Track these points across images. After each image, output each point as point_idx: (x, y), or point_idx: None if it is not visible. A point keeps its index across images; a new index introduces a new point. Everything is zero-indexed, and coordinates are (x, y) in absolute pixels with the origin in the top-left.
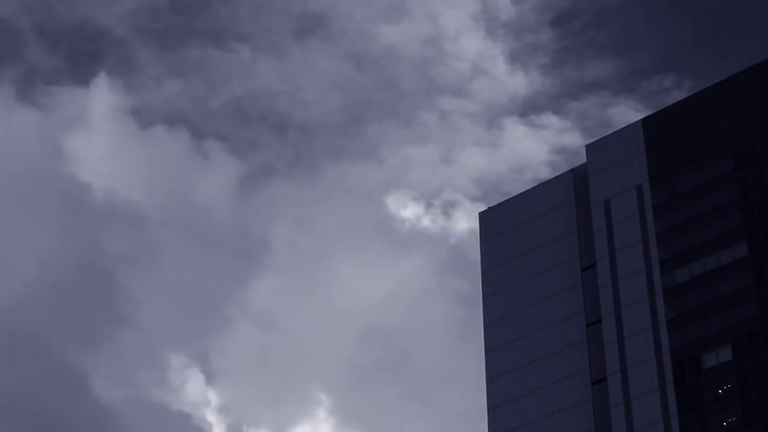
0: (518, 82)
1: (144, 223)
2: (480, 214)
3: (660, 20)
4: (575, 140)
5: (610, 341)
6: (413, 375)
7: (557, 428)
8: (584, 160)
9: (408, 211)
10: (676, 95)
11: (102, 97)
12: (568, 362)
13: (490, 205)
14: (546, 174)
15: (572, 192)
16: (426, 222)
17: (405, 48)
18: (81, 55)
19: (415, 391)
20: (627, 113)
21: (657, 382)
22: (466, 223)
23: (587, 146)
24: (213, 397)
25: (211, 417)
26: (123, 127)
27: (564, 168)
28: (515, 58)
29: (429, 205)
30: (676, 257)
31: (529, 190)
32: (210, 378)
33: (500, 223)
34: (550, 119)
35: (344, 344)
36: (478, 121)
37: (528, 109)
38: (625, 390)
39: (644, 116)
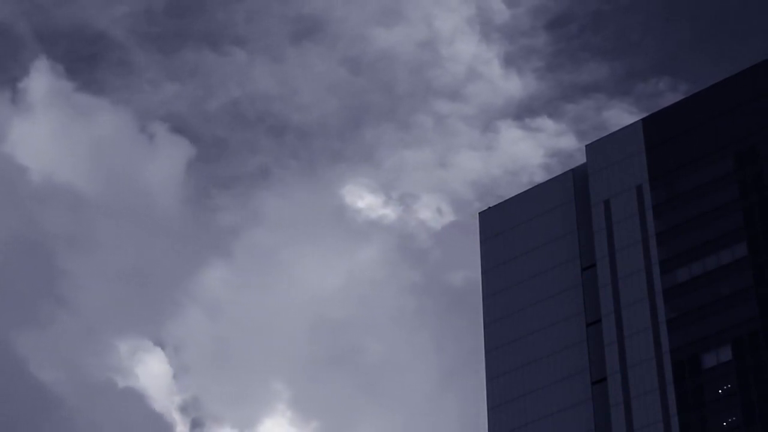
0: (513, 86)
1: (85, 207)
2: (480, 214)
3: (655, 23)
4: (570, 143)
5: (610, 341)
6: (367, 366)
7: (557, 428)
8: (579, 163)
9: (363, 201)
10: (672, 98)
11: (42, 80)
12: (568, 362)
13: (478, 206)
14: (541, 177)
15: (572, 192)
16: (381, 213)
17: (400, 51)
18: (78, 58)
19: (369, 382)
20: (622, 116)
21: (657, 382)
22: (422, 214)
23: (587, 146)
24: (174, 392)
25: (176, 415)
26: (64, 111)
27: (559, 171)
28: (510, 62)
29: (387, 197)
30: (676, 257)
31: (529, 190)
32: (163, 361)
33: (500, 224)
34: (545, 122)
35: (298, 336)
36: (473, 125)
37: (523, 112)
38: (625, 390)
39: (641, 117)
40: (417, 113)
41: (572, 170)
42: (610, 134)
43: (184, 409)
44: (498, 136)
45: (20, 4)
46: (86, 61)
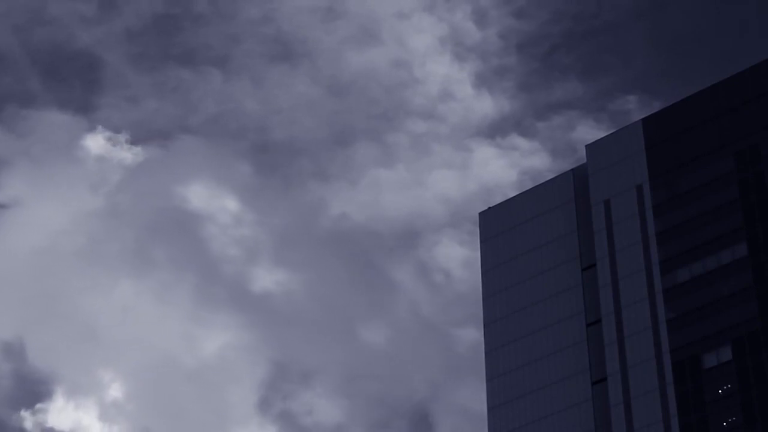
0: (486, 105)
1: None
2: (480, 214)
3: (626, 42)
4: (543, 161)
5: (610, 341)
6: (94, 309)
7: (557, 428)
8: (550, 177)
9: (100, 149)
10: (642, 115)
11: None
12: (568, 362)
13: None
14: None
15: (572, 192)
16: (114, 155)
17: (375, 72)
18: (59, 76)
19: (95, 326)
20: (594, 134)
21: (657, 382)
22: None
23: (587, 146)
24: None
25: None
26: None
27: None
28: (482, 81)
29: (121, 140)
30: (676, 257)
31: (529, 189)
32: None
33: (500, 223)
34: (517, 141)
35: (24, 281)
36: (447, 144)
37: (496, 131)
38: (625, 390)
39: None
40: (392, 132)
41: (572, 170)
42: (610, 134)
43: None
44: (471, 154)
45: (1, 23)
46: (67, 80)
